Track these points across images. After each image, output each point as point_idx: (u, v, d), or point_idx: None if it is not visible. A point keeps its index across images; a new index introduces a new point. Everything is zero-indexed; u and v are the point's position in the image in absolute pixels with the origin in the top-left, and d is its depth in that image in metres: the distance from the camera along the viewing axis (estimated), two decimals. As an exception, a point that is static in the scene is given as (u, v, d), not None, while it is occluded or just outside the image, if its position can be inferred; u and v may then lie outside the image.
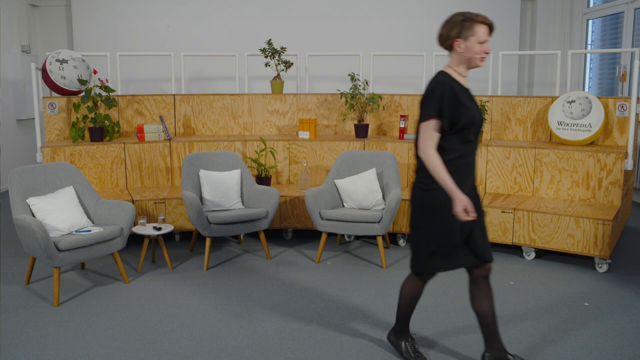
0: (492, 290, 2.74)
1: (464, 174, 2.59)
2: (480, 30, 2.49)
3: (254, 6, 7.81)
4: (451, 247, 2.61)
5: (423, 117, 2.54)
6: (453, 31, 2.52)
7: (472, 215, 2.47)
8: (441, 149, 2.54)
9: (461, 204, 2.45)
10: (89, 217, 4.07)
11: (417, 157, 2.62)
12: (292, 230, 5.17)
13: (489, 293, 2.72)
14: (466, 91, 2.58)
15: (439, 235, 2.60)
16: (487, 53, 2.52)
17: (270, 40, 5.61)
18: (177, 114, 5.58)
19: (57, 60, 5.23)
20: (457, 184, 2.50)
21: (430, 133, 2.52)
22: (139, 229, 4.25)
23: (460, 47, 2.53)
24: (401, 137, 5.29)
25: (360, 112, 5.43)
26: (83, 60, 5.39)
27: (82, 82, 5.24)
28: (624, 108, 4.74)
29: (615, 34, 7.10)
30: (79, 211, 3.95)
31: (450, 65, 2.63)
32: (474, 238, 2.64)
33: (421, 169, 2.59)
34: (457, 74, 2.60)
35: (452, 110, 2.49)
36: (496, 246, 4.84)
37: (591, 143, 4.85)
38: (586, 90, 7.54)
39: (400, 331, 2.93)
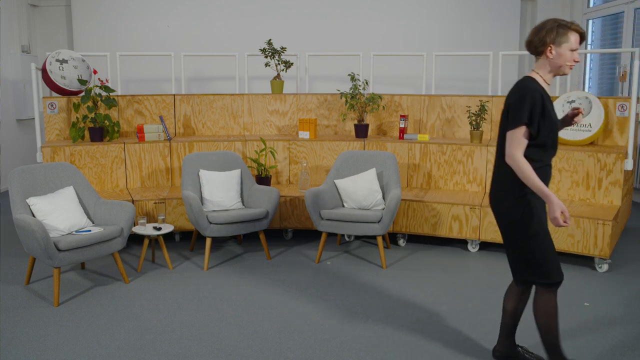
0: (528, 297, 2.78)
1: (547, 183, 2.56)
2: (573, 37, 2.48)
3: (254, 6, 7.80)
4: (556, 255, 2.59)
5: (513, 123, 2.47)
6: (549, 37, 2.48)
7: (569, 222, 2.43)
8: (527, 158, 2.49)
9: (559, 208, 2.39)
10: (89, 217, 4.07)
11: (500, 166, 2.59)
12: (292, 230, 5.17)
13: (526, 299, 2.79)
14: (549, 98, 2.54)
15: (548, 240, 2.55)
16: (577, 61, 2.51)
17: (270, 40, 5.61)
18: (177, 114, 5.58)
19: (57, 60, 5.23)
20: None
21: (520, 140, 2.46)
22: (139, 229, 4.25)
23: (552, 53, 2.50)
24: (401, 137, 5.28)
25: (360, 112, 5.43)
26: (83, 60, 5.39)
27: (82, 82, 5.24)
28: (624, 108, 4.74)
29: (615, 34, 7.10)
30: (79, 211, 3.95)
31: (536, 70, 2.58)
32: None
33: (509, 177, 2.53)
34: (543, 80, 2.56)
35: (540, 118, 2.46)
36: (496, 246, 4.84)
37: (591, 143, 4.85)
38: (586, 90, 7.54)
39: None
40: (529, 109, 2.44)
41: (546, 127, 2.48)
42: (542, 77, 2.56)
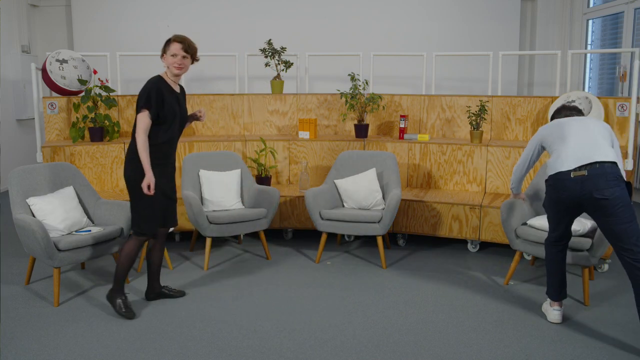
0: (164, 245, 3.67)
1: (167, 158, 3.46)
2: (172, 46, 3.35)
3: (254, 6, 7.80)
4: (156, 214, 3.44)
5: (138, 108, 3.29)
6: (162, 50, 3.39)
7: (152, 191, 3.29)
8: (150, 136, 3.31)
9: (148, 181, 3.28)
10: (89, 217, 4.06)
11: (131, 142, 3.35)
12: (292, 230, 5.17)
13: (162, 247, 3.65)
14: (172, 92, 3.40)
15: (152, 201, 3.37)
16: (178, 63, 3.35)
17: (270, 40, 5.61)
18: (177, 114, 5.57)
19: (57, 60, 5.23)
20: (160, 165, 3.39)
21: (142, 120, 3.27)
22: (139, 229, 4.25)
23: (164, 59, 3.39)
24: (401, 137, 5.28)
25: (360, 112, 5.43)
26: (83, 60, 5.39)
27: (82, 82, 5.24)
28: (624, 108, 4.74)
29: (615, 34, 7.10)
30: (79, 211, 3.95)
31: (166, 71, 3.43)
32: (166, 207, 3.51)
33: (133, 149, 3.32)
34: (168, 78, 3.42)
35: (158, 105, 3.28)
36: (496, 246, 4.84)
37: (591, 143, 4.84)
38: (586, 90, 7.54)
39: (117, 290, 3.47)
40: (147, 97, 3.27)
41: (162, 113, 3.31)
42: (167, 75, 3.41)
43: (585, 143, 3.13)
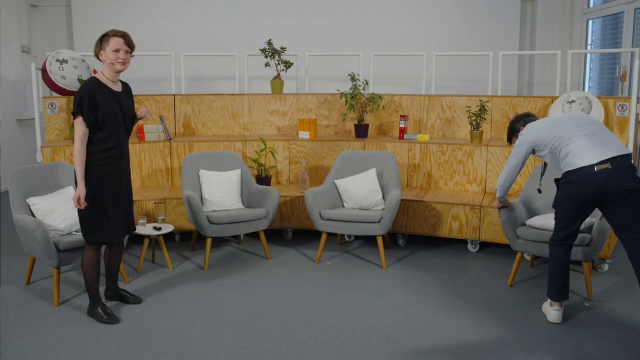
0: (122, 249, 3.58)
1: (115, 165, 3.25)
2: (113, 41, 3.15)
3: (254, 6, 7.80)
4: (108, 221, 3.28)
5: (73, 115, 3.11)
6: (97, 47, 3.19)
7: (82, 205, 3.12)
8: (90, 142, 3.15)
9: (78, 194, 3.11)
10: (89, 217, 4.06)
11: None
12: (292, 230, 5.17)
13: (120, 252, 3.57)
14: (111, 93, 3.20)
15: (100, 208, 3.23)
16: (121, 58, 3.16)
17: (270, 40, 5.61)
18: (177, 114, 5.58)
19: (57, 60, 5.22)
20: (108, 171, 3.20)
21: (78, 127, 3.09)
22: (139, 229, 4.24)
23: (102, 56, 3.18)
24: (401, 137, 5.28)
25: (360, 112, 5.43)
26: (83, 60, 5.39)
27: (82, 82, 5.24)
28: (624, 108, 4.74)
29: (615, 34, 7.10)
30: (79, 211, 3.95)
31: (102, 71, 3.24)
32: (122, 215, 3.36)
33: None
34: (106, 78, 3.22)
35: (92, 110, 3.09)
36: (496, 246, 4.84)
37: (591, 143, 4.84)
38: (586, 90, 7.54)
39: (93, 302, 3.40)
40: (79, 103, 3.08)
41: (100, 117, 3.12)
42: (104, 75, 3.21)
43: (596, 137, 3.18)
